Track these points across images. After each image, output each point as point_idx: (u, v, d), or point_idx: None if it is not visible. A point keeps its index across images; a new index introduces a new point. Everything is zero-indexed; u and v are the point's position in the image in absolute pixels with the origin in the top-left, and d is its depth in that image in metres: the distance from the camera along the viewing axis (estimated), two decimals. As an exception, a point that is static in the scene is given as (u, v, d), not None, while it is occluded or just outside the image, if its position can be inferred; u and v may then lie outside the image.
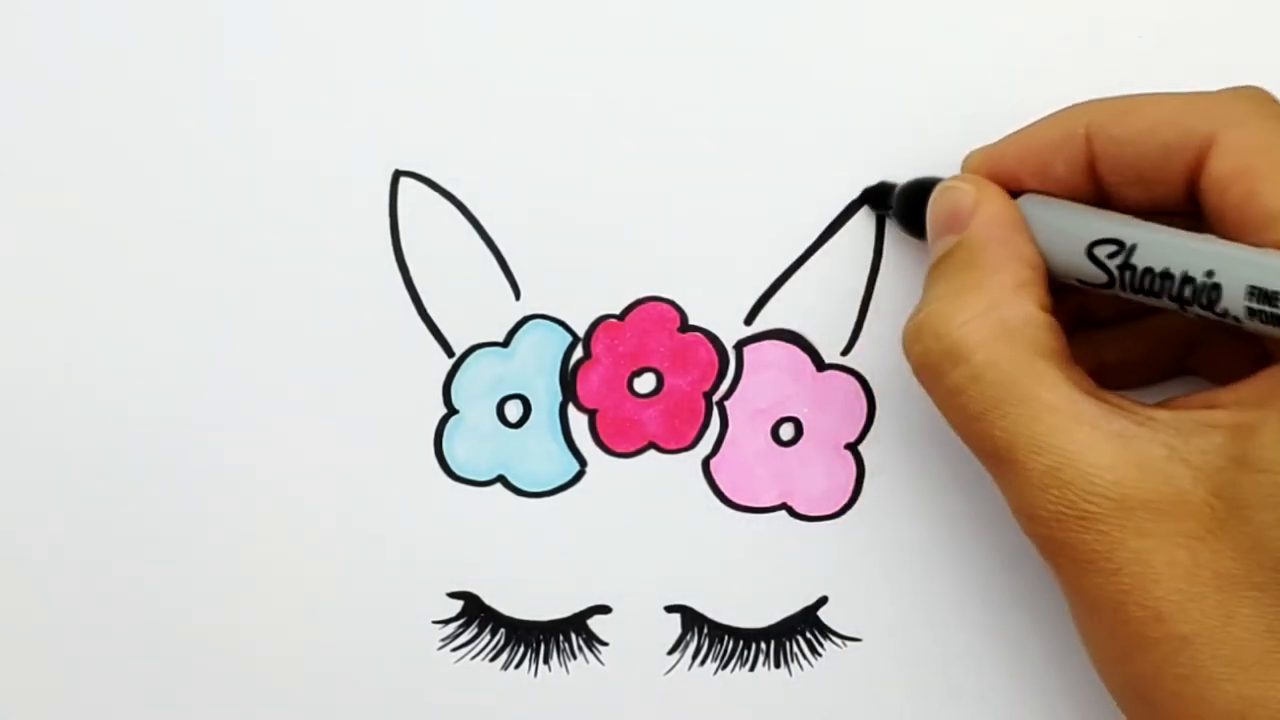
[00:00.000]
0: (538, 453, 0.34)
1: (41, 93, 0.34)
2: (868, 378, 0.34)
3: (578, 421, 0.34)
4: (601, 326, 0.34)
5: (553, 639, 0.34)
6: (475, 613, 0.34)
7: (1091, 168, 0.29)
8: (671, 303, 0.34)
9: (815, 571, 0.34)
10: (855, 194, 0.33)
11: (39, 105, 0.34)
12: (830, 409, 0.34)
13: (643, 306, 0.34)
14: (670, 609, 0.34)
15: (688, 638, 0.34)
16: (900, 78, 0.33)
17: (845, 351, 0.34)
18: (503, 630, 0.34)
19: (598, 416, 0.34)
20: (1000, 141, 0.31)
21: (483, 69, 0.34)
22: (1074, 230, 0.28)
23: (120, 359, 0.34)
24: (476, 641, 0.34)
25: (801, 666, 0.34)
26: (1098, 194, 0.29)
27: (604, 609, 0.34)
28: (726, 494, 0.34)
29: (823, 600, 0.34)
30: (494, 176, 0.34)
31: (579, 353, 0.34)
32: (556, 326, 0.34)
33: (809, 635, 0.34)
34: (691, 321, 0.34)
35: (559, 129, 0.34)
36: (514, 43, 0.34)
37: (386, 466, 0.34)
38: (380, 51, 0.34)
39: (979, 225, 0.29)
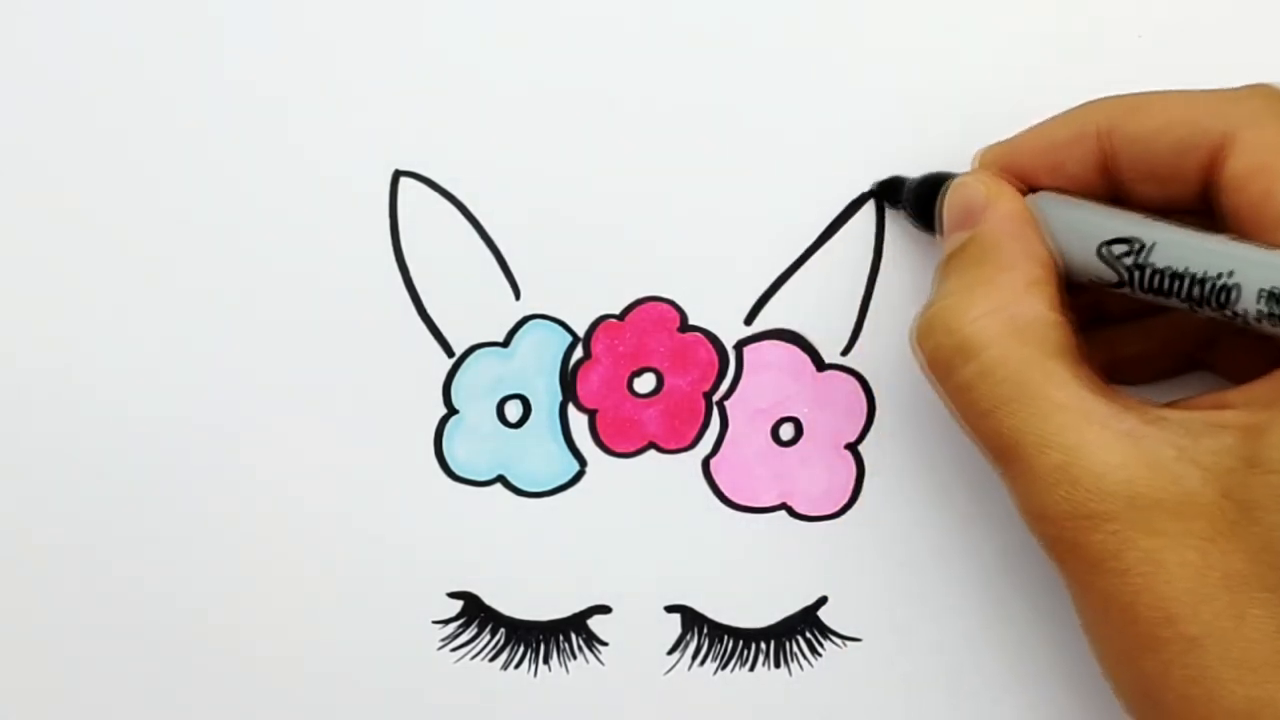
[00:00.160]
0: (538, 453, 0.34)
1: (41, 93, 0.34)
2: (868, 378, 0.34)
3: (578, 421, 0.34)
4: (601, 326, 0.34)
5: (553, 639, 0.34)
6: (475, 613, 0.34)
7: (1104, 165, 0.29)
8: (671, 303, 0.34)
9: (815, 571, 0.34)
10: (855, 194, 0.33)
11: (39, 105, 0.34)
12: (830, 409, 0.34)
13: (643, 306, 0.34)
14: (670, 609, 0.34)
15: (688, 638, 0.34)
16: (900, 78, 0.33)
17: (845, 351, 0.34)
18: (503, 630, 0.34)
19: (598, 416, 0.34)
20: (1014, 138, 0.31)
21: (483, 69, 0.34)
22: (1086, 228, 0.28)
23: (120, 359, 0.34)
24: (476, 641, 0.34)
25: (801, 666, 0.34)
26: (1111, 192, 0.29)
27: (604, 609, 0.34)
28: (726, 494, 0.34)
29: (823, 600, 0.34)
30: (494, 176, 0.34)
31: (579, 353, 0.34)
32: (556, 326, 0.34)
33: (809, 635, 0.34)
34: (691, 321, 0.34)
35: (559, 129, 0.34)
36: (514, 43, 0.34)
37: (386, 466, 0.34)
38: (380, 51, 0.34)
39: (992, 222, 0.29)
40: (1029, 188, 0.30)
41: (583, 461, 0.34)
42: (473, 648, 0.34)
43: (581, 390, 0.34)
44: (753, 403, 0.34)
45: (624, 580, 0.34)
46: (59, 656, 0.35)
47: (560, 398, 0.34)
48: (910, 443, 0.34)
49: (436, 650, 0.34)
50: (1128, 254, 0.28)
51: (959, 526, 0.34)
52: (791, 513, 0.34)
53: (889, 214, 0.33)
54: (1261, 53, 0.33)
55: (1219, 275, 0.26)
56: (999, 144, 0.31)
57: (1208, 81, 0.28)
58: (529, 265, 0.34)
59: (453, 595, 0.34)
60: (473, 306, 0.34)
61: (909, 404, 0.33)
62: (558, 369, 0.34)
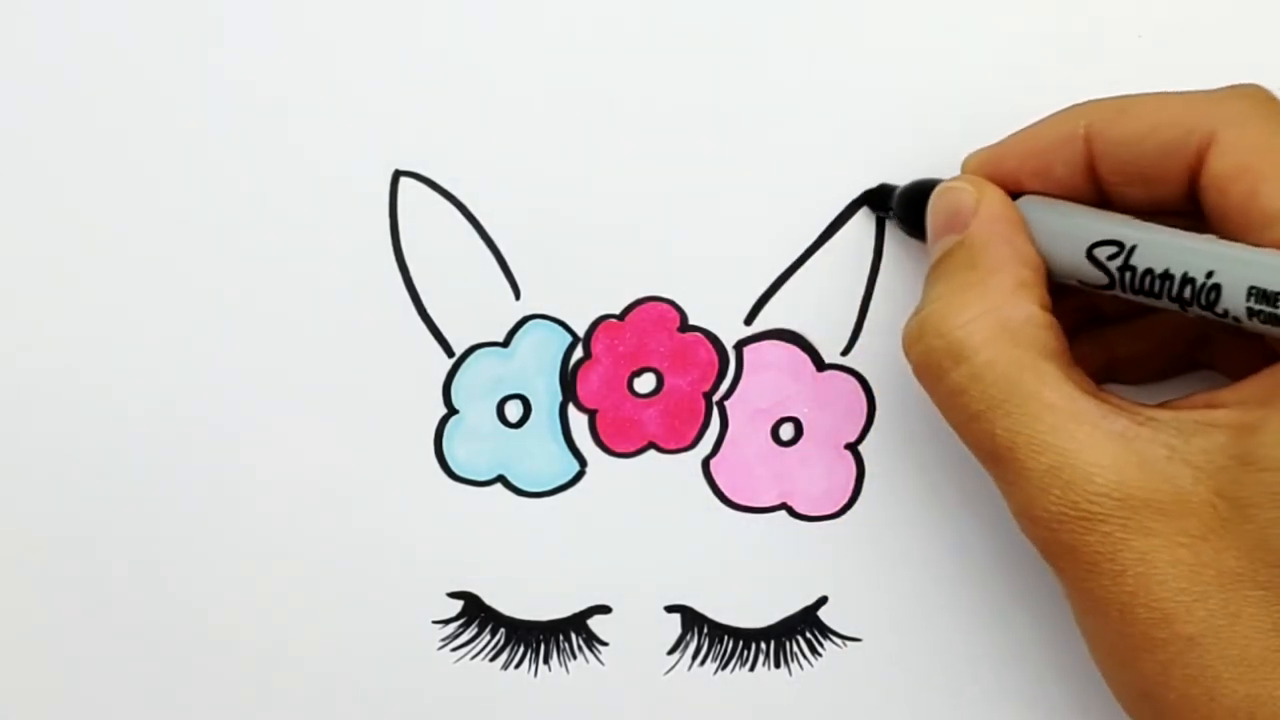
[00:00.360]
0: (538, 453, 0.34)
1: (41, 92, 0.34)
2: (868, 378, 0.34)
3: (578, 421, 0.34)
4: (601, 326, 0.34)
5: (553, 639, 0.34)
6: (475, 613, 0.34)
7: (1091, 168, 0.29)
8: (671, 303, 0.34)
9: (815, 571, 0.34)
10: (855, 194, 0.33)
11: (39, 105, 0.34)
12: (830, 409, 0.34)
13: (643, 306, 0.34)
14: (670, 609, 0.34)
15: (688, 638, 0.34)
16: (900, 78, 0.33)
17: (845, 351, 0.34)
18: (503, 630, 0.34)
19: (598, 416, 0.34)
20: (1000, 143, 0.31)
21: (483, 69, 0.34)
22: (1074, 231, 0.28)
23: (120, 359, 0.34)
24: (476, 641, 0.34)
25: (801, 666, 0.34)
26: (1098, 194, 0.29)
27: (604, 609, 0.34)
28: (726, 494, 0.34)
29: (823, 600, 0.34)
30: (494, 176, 0.34)
31: (579, 353, 0.34)
32: (556, 326, 0.34)
33: (809, 635, 0.34)
34: (691, 321, 0.34)
35: (559, 129, 0.34)
36: (514, 43, 0.34)
37: (386, 466, 0.34)
38: (380, 51, 0.34)
39: (980, 225, 0.29)
40: (1015, 192, 0.30)
41: (583, 461, 0.34)
42: (473, 648, 0.34)
43: (581, 390, 0.34)
44: (753, 403, 0.34)
45: (624, 580, 0.34)
46: (59, 656, 0.35)
47: (560, 398, 0.34)
48: (910, 443, 0.34)
49: (436, 650, 0.34)
50: (1114, 256, 0.28)
51: (959, 526, 0.34)
52: (791, 513, 0.34)
53: (889, 214, 0.33)
54: (1261, 53, 0.33)
55: (1205, 275, 0.26)
56: (984, 149, 0.31)
57: (1208, 81, 0.28)
58: (529, 265, 0.34)
59: (453, 595, 0.34)
60: (473, 306, 0.34)
61: (909, 404, 0.33)
62: (558, 369, 0.34)
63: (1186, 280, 0.26)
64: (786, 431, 0.34)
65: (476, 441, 0.34)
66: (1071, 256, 0.28)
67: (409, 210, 0.34)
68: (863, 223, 0.33)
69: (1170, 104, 0.28)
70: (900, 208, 0.32)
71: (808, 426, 0.34)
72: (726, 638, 0.34)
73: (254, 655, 0.35)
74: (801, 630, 0.34)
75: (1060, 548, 0.27)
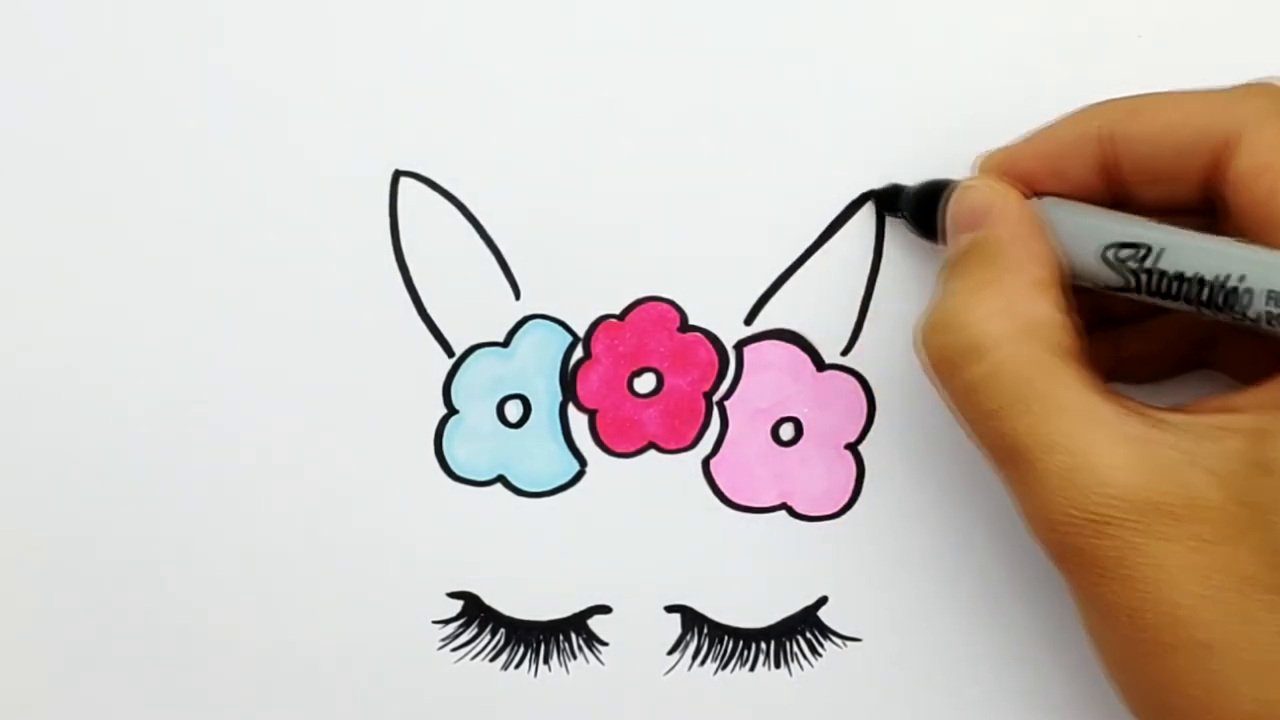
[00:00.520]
0: (538, 453, 0.34)
1: (41, 92, 0.34)
2: (868, 378, 0.34)
3: (578, 421, 0.34)
4: (601, 326, 0.34)
5: (553, 639, 0.34)
6: (475, 613, 0.34)
7: (1106, 169, 0.29)
8: (671, 303, 0.34)
9: (815, 571, 0.34)
10: (855, 194, 0.33)
11: (39, 104, 0.34)
12: (830, 409, 0.34)
13: (643, 306, 0.34)
14: (670, 609, 0.34)
15: (688, 638, 0.34)
16: (900, 78, 0.33)
17: (845, 351, 0.34)
18: (503, 630, 0.34)
19: (598, 416, 0.34)
20: (1015, 143, 0.31)
21: (483, 69, 0.34)
22: (1091, 233, 0.28)
23: (120, 359, 0.34)
24: (476, 641, 0.34)
25: (801, 666, 0.34)
26: (1113, 195, 0.29)
27: (604, 609, 0.34)
28: (726, 494, 0.34)
29: (823, 600, 0.34)
30: (494, 176, 0.34)
31: (579, 353, 0.34)
32: (556, 326, 0.34)
33: (809, 635, 0.34)
34: (691, 321, 0.34)
35: (559, 129, 0.34)
36: (514, 43, 0.34)
37: (386, 466, 0.34)
38: (380, 51, 0.34)
39: (998, 225, 0.29)
40: (1031, 192, 0.30)
41: (583, 461, 0.34)
42: (473, 648, 0.34)
43: (581, 390, 0.34)
44: (753, 403, 0.34)
45: (624, 580, 0.34)
46: (59, 655, 0.35)
47: (560, 398, 0.34)
48: (910, 443, 0.34)
49: (436, 650, 0.34)
50: (1134, 257, 0.28)
51: (959, 526, 0.34)
52: (791, 513, 0.34)
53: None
54: (1261, 53, 0.33)
55: (1228, 278, 0.26)
56: (1000, 150, 0.31)
57: (1208, 81, 0.28)
58: (529, 265, 0.34)
59: (453, 595, 0.34)
60: (473, 306, 0.34)
61: (909, 404, 0.33)
62: (558, 369, 0.34)
63: (1205, 283, 0.26)
64: (786, 431, 0.34)
65: (476, 441, 0.34)
66: (1089, 258, 0.28)
67: (409, 210, 0.34)
68: (863, 223, 0.33)
69: (1187, 102, 0.28)
70: (913, 207, 0.32)
71: (808, 426, 0.34)
72: (726, 638, 0.34)
73: (254, 655, 0.35)
74: (801, 630, 0.34)
75: (1070, 550, 0.27)
